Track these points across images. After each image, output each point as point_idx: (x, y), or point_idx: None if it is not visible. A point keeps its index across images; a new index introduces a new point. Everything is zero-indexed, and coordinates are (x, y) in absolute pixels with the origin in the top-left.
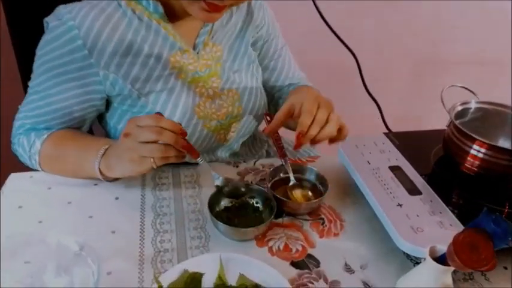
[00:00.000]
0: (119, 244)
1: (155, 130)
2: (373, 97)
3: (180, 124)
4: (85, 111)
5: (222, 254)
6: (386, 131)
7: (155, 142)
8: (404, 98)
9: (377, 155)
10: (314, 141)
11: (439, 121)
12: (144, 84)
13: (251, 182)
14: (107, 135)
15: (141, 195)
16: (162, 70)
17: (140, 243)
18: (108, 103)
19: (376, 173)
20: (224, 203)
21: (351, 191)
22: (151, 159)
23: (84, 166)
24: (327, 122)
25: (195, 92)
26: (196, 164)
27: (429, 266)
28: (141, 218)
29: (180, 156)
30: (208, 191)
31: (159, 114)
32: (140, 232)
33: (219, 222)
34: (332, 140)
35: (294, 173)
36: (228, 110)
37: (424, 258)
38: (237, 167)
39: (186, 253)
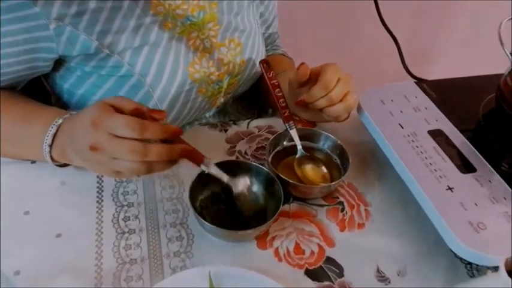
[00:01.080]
0: (66, 255)
1: (138, 149)
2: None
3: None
4: (19, 73)
5: (212, 269)
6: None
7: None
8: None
9: (410, 114)
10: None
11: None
12: (116, 37)
13: (245, 152)
14: (56, 95)
15: (98, 177)
16: (141, 17)
17: (97, 252)
18: (59, 61)
19: (413, 141)
20: (210, 189)
21: (376, 163)
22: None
23: (25, 148)
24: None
25: (187, 46)
26: None
27: (505, 282)
28: (97, 213)
29: (173, 164)
30: (190, 169)
31: (139, 106)
32: (97, 234)
33: (205, 222)
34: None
35: (302, 139)
36: (229, 67)
37: (493, 269)
38: (226, 131)
39: (161, 264)
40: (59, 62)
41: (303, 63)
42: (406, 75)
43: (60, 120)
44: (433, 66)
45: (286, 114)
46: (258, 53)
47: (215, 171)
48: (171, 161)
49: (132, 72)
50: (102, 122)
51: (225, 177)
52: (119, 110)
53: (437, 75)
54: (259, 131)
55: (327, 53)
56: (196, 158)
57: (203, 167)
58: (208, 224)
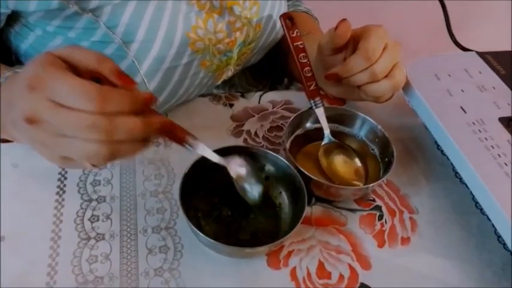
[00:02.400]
0: (7, 266)
1: (99, 123)
2: None
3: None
4: None
5: None
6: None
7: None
8: None
9: (474, 94)
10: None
11: None
12: None
13: (255, 133)
14: (15, 55)
15: None
16: None
17: (50, 266)
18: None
19: (480, 131)
20: (210, 184)
21: (424, 155)
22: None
23: None
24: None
25: (189, 5)
26: None
27: None
28: (56, 209)
29: (147, 145)
30: (183, 155)
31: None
32: (52, 240)
33: (199, 233)
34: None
35: (331, 121)
36: (242, 32)
37: None
38: (231, 106)
39: (137, 285)
40: (14, 18)
41: (343, 20)
42: (447, 47)
43: (1, 80)
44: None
45: (312, 88)
46: (279, 14)
47: (205, 152)
48: (144, 141)
49: (111, 37)
50: (42, 84)
51: (221, 161)
52: (73, 67)
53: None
54: (273, 107)
55: (356, 17)
56: (177, 135)
57: (188, 147)
58: (204, 237)
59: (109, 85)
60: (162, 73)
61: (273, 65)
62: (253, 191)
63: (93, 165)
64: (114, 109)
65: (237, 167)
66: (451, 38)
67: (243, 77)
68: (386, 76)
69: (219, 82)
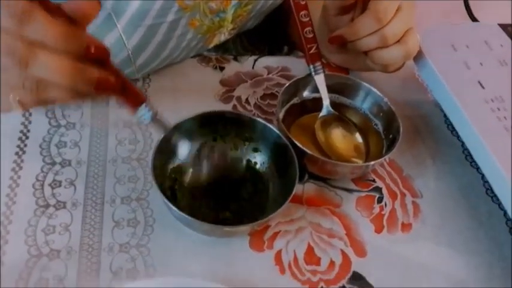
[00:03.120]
0: None
1: (13, 47)
2: None
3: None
4: None
5: (177, 280)
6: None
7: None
8: None
9: (494, 69)
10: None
11: None
12: None
13: (246, 100)
14: None
15: (25, 117)
16: None
17: (2, 236)
18: None
19: (499, 109)
20: (185, 156)
21: (432, 134)
22: (14, 99)
23: None
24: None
25: None
26: None
27: None
28: (13, 171)
29: (79, 99)
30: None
31: None
32: (6, 205)
33: (173, 207)
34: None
35: (331, 91)
36: None
37: None
38: (222, 69)
39: (98, 262)
40: None
41: None
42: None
43: None
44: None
45: (312, 51)
46: None
47: (160, 125)
48: (76, 92)
49: None
50: None
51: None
52: None
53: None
54: (268, 73)
55: None
56: (130, 97)
57: (140, 116)
58: (178, 211)
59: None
60: (144, 30)
61: (272, 31)
62: None
63: (22, 105)
64: (39, 37)
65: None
66: (467, 12)
67: (238, 42)
68: (398, 41)
69: (210, 46)
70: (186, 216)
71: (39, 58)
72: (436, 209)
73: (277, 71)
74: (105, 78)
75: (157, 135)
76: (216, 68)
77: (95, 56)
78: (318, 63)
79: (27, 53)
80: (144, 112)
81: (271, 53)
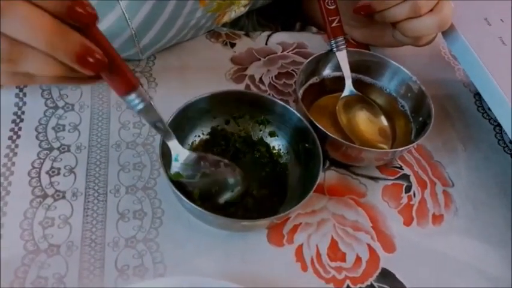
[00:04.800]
0: None
1: None
2: None
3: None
4: None
5: (190, 280)
6: None
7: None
8: None
9: None
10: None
11: None
12: None
13: (260, 79)
14: None
15: (18, 95)
16: None
17: None
18: None
19: None
20: (196, 140)
21: (463, 117)
22: None
23: None
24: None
25: None
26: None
27: None
28: (6, 157)
29: (81, 80)
30: (170, 100)
31: None
32: (0, 195)
33: (184, 198)
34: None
35: (354, 70)
36: None
37: None
38: (233, 45)
39: (102, 259)
40: None
41: None
42: None
43: None
44: None
45: (334, 24)
46: None
47: (150, 117)
48: (56, 66)
49: None
50: None
51: (170, 141)
52: None
53: None
54: (283, 51)
55: None
56: (119, 79)
57: (129, 102)
58: (190, 203)
59: None
60: (149, 7)
61: (284, 7)
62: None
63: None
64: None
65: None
66: None
67: (249, 19)
68: (430, 10)
69: (220, 25)
70: (199, 208)
71: (15, 9)
72: (469, 199)
73: (292, 48)
74: (90, 48)
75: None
76: (226, 44)
77: (79, 18)
78: (340, 38)
79: (1, 3)
80: (134, 100)
81: (285, 28)
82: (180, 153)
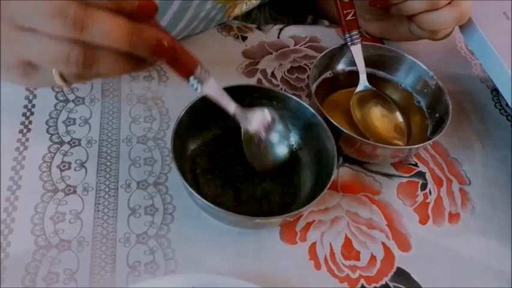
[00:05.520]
0: None
1: (62, 9)
2: None
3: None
4: None
5: (200, 277)
6: None
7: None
8: None
9: None
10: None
11: None
12: None
13: (272, 73)
14: None
15: (29, 91)
16: None
17: (4, 223)
18: None
19: None
20: (212, 132)
21: (480, 113)
22: (56, 74)
23: None
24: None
25: None
26: None
27: None
28: (17, 150)
29: (136, 66)
30: (181, 94)
31: None
32: (9, 189)
33: (196, 195)
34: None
35: (369, 65)
36: None
37: None
38: (244, 39)
39: (113, 255)
40: None
41: None
42: None
43: None
44: None
45: (349, 18)
46: None
47: (216, 93)
48: (131, 59)
49: None
50: None
51: (231, 107)
52: None
53: None
54: (296, 44)
55: None
56: (183, 62)
57: (193, 82)
58: (202, 199)
59: None
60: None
61: (295, 0)
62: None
63: (65, 80)
64: None
65: (259, 126)
66: None
67: (260, 12)
68: (449, 3)
69: (231, 18)
70: (211, 205)
71: (95, 18)
72: (486, 198)
73: (304, 42)
74: (163, 39)
75: (175, 112)
76: (237, 37)
77: (148, 12)
78: (355, 32)
79: (82, 13)
80: (199, 76)
81: (297, 22)
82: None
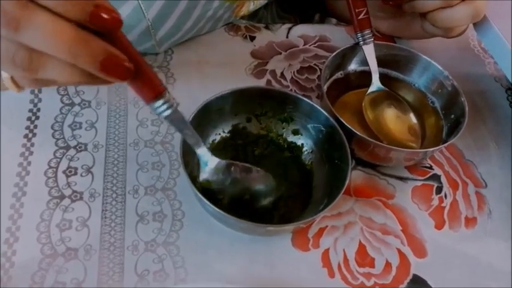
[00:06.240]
0: None
1: (2, 9)
2: None
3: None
4: None
5: (210, 286)
6: None
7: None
8: None
9: None
10: None
11: None
12: None
13: (281, 74)
14: None
15: (34, 94)
16: None
17: (9, 231)
18: None
19: None
20: (216, 139)
21: (496, 114)
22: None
23: None
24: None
25: None
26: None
27: None
28: (22, 156)
29: (84, 79)
30: (190, 96)
31: None
32: (14, 196)
33: (207, 202)
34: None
35: (381, 65)
36: None
37: None
38: (252, 39)
39: (121, 263)
40: None
41: None
42: None
43: None
44: None
45: (361, 17)
46: None
47: (180, 125)
48: (79, 73)
49: None
50: None
51: (198, 145)
52: None
53: None
54: (305, 44)
55: None
56: (145, 85)
57: (155, 109)
58: (212, 206)
59: None
60: (164, 2)
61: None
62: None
63: (15, 84)
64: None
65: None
66: None
67: (268, 11)
68: (463, 0)
69: (238, 17)
70: (221, 212)
71: (33, 19)
72: (503, 200)
73: (314, 41)
74: (115, 55)
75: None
76: (246, 37)
77: (103, 25)
78: (367, 31)
79: (19, 12)
80: (160, 106)
81: (304, 21)
82: (210, 161)
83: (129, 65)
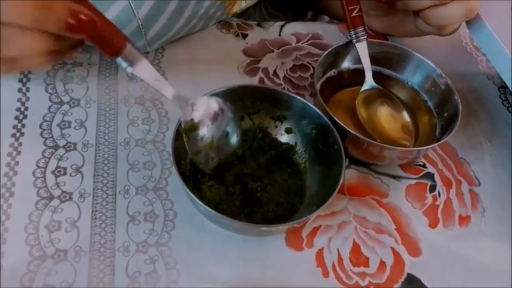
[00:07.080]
0: None
1: None
2: None
3: None
4: None
5: None
6: None
7: None
8: None
9: None
10: None
11: None
12: None
13: (274, 72)
14: None
15: (21, 93)
16: None
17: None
18: None
19: None
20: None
21: (489, 112)
22: None
23: None
24: None
25: None
26: None
27: None
28: (10, 156)
29: (66, 53)
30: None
31: None
32: (3, 197)
33: (198, 201)
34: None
35: (375, 63)
36: None
37: None
38: (245, 36)
39: (112, 265)
40: None
41: None
42: None
43: None
44: None
45: (354, 14)
46: None
47: (149, 76)
48: (49, 39)
49: None
50: None
51: (169, 92)
52: None
53: None
54: (297, 42)
55: None
56: (108, 39)
57: (122, 63)
58: (204, 206)
59: None
60: (155, 1)
61: None
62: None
63: None
64: None
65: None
66: None
67: (260, 9)
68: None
69: (230, 15)
70: (215, 212)
71: None
72: (496, 199)
73: (307, 39)
74: (78, 11)
75: (174, 114)
76: (238, 35)
77: None
78: (360, 29)
79: None
80: (127, 55)
81: (296, 19)
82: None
83: (92, 16)
